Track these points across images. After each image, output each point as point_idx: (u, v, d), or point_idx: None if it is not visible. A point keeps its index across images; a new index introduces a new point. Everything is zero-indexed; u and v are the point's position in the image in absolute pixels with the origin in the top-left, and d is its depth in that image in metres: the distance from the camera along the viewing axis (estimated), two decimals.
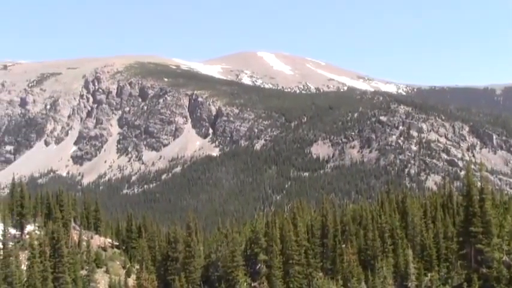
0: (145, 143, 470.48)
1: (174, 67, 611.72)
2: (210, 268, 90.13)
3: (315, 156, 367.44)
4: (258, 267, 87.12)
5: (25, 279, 67.24)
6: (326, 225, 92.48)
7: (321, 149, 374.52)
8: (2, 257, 68.12)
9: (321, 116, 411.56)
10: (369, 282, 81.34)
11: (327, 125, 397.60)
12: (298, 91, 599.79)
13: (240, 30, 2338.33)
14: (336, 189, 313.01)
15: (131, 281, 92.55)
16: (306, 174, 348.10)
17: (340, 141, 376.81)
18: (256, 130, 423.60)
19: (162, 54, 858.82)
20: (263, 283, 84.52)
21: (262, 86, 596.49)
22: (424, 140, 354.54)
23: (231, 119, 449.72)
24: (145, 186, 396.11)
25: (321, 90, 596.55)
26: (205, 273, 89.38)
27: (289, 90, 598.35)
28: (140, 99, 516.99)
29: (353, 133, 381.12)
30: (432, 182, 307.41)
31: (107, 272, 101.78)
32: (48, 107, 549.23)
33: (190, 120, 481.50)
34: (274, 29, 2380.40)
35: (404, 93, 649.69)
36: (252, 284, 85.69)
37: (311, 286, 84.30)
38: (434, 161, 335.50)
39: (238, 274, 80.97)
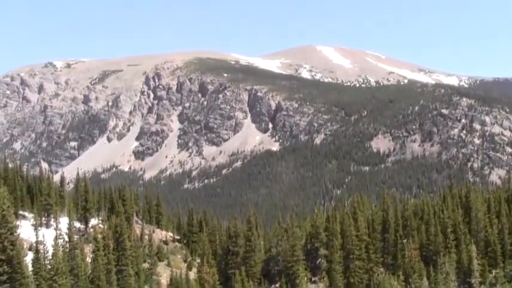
0: (205, 138, 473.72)
1: (233, 62, 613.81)
2: (270, 262, 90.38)
3: (375, 150, 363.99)
4: (318, 261, 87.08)
5: (90, 271, 68.61)
6: (387, 220, 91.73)
7: (381, 143, 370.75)
8: (68, 250, 69.68)
9: (381, 110, 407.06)
10: (430, 279, 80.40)
11: (387, 118, 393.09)
12: (357, 85, 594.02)
13: (299, 24, 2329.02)
14: (397, 183, 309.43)
15: (192, 274, 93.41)
16: (367, 168, 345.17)
17: (401, 135, 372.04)
18: (315, 124, 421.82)
19: (221, 49, 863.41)
20: (323, 278, 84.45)
21: (321, 80, 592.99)
22: (487, 133, 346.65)
23: (291, 113, 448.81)
24: (205, 180, 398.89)
25: (381, 84, 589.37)
26: (266, 267, 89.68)
27: (348, 84, 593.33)
28: (200, 95, 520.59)
29: (414, 126, 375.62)
30: (496, 176, 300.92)
31: (168, 265, 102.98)
32: (110, 103, 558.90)
33: (250, 115, 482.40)
34: (333, 23, 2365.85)
35: (466, 86, 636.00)
36: (312, 279, 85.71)
37: (372, 281, 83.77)
38: (498, 154, 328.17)
39: (298, 268, 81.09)
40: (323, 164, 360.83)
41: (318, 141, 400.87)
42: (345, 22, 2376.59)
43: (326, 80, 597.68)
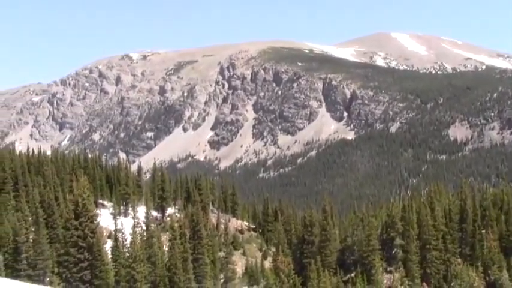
0: (280, 127, 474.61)
1: (307, 51, 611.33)
2: (345, 252, 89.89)
3: (452, 139, 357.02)
4: (394, 251, 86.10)
5: (167, 259, 69.66)
6: (465, 210, 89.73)
7: (458, 131, 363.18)
8: (145, 238, 70.97)
9: (458, 97, 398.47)
10: (511, 270, 78.38)
11: (464, 106, 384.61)
12: (434, 72, 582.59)
13: (373, 11, 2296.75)
14: (475, 172, 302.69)
15: (267, 263, 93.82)
16: (443, 157, 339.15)
17: (479, 123, 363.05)
18: (391, 113, 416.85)
19: (295, 38, 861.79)
20: (399, 268, 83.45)
21: (396, 68, 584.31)
22: None
23: (366, 101, 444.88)
24: (280, 170, 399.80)
25: (458, 70, 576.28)
26: (341, 257, 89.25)
27: (424, 71, 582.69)
28: (274, 84, 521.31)
29: (492, 114, 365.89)
30: None
31: (243, 254, 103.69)
32: (185, 94, 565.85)
33: (324, 103, 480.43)
34: (407, 9, 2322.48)
35: None
36: (388, 269, 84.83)
37: (449, 272, 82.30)
38: None
39: (374, 258, 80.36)
40: (399, 153, 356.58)
41: (393, 129, 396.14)
42: (419, 8, 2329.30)
43: (401, 68, 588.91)
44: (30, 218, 73.84)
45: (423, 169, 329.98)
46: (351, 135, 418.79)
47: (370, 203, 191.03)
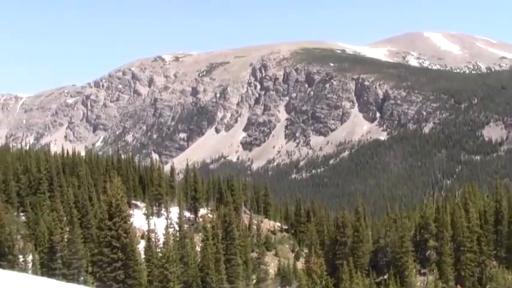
0: (312, 128, 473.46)
1: (339, 51, 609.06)
2: (378, 253, 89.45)
3: (487, 139, 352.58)
4: (427, 253, 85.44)
5: (199, 259, 69.99)
6: (500, 211, 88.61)
7: (493, 131, 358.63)
8: (178, 239, 71.41)
9: (493, 97, 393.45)
10: None
11: (499, 106, 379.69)
12: (467, 71, 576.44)
13: (406, 11, 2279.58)
14: (510, 173, 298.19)
15: (300, 264, 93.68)
16: (478, 157, 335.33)
17: None
18: (424, 113, 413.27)
19: (327, 39, 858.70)
20: (433, 270, 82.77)
21: (429, 67, 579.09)
22: None
23: (399, 102, 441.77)
24: (313, 171, 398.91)
25: (492, 70, 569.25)
26: (374, 258, 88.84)
27: (458, 70, 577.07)
28: (307, 85, 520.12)
29: None
30: None
31: (276, 255, 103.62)
32: (217, 95, 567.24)
33: (357, 104, 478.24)
34: (440, 8, 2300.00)
35: None
36: (422, 271, 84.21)
37: (484, 275, 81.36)
38: None
39: (407, 260, 79.85)
40: (432, 154, 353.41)
41: (426, 130, 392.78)
42: (452, 7, 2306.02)
43: (434, 67, 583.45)
44: (65, 218, 74.77)
45: (457, 170, 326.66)
46: (383, 136, 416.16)
47: (403, 204, 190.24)
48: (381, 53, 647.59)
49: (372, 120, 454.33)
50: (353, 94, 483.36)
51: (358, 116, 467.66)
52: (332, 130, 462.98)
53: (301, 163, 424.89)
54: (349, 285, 75.73)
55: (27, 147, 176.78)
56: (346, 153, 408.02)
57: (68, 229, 71.80)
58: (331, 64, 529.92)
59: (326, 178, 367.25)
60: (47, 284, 15.77)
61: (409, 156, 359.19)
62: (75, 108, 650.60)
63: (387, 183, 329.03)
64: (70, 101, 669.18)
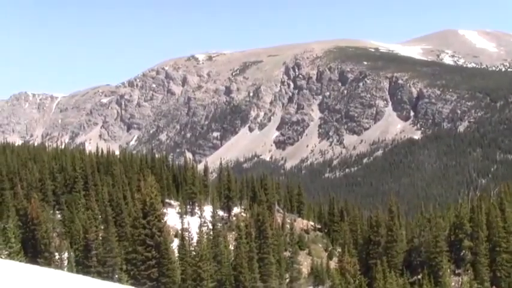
0: (346, 127, 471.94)
1: (373, 50, 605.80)
2: (412, 253, 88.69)
3: None
4: (462, 253, 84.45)
5: (232, 258, 70.12)
6: None
7: None
8: (211, 237, 71.72)
9: None
10: None
11: None
12: (503, 69, 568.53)
13: (440, 8, 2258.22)
14: None
15: (333, 263, 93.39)
16: None
17: None
18: (459, 111, 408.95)
19: (360, 37, 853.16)
20: (468, 270, 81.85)
21: (464, 66, 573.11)
22: None
23: (433, 100, 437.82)
24: (346, 170, 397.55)
25: None
26: (408, 258, 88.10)
27: (493, 68, 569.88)
28: (340, 84, 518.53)
29: None
30: None
31: (309, 254, 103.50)
32: (251, 94, 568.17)
33: (390, 103, 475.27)
34: (475, 5, 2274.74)
35: None
36: (456, 271, 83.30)
37: None
38: None
39: (441, 260, 79.04)
40: (467, 153, 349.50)
41: (461, 128, 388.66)
42: (487, 4, 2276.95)
43: (469, 65, 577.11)
44: (100, 216, 75.64)
45: (492, 169, 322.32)
46: (417, 135, 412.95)
47: (437, 203, 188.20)
48: (415, 51, 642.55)
49: (405, 119, 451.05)
50: (387, 93, 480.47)
51: (392, 114, 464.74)
52: (366, 129, 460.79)
53: (335, 162, 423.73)
54: (383, 285, 75.23)
55: (63, 146, 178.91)
56: (380, 152, 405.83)
57: (102, 227, 72.59)
58: (365, 62, 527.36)
59: (359, 177, 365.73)
60: (82, 282, 16.00)
61: (444, 155, 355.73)
62: (110, 108, 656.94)
63: (421, 183, 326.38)
64: (104, 100, 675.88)
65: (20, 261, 47.06)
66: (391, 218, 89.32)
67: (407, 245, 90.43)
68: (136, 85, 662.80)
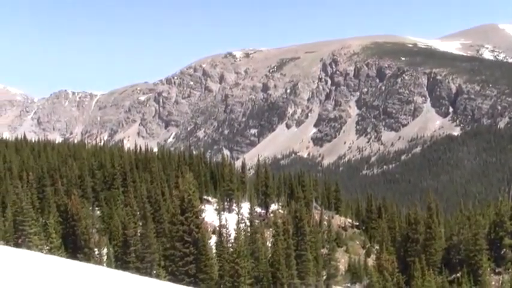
0: (384, 123, 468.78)
1: (410, 45, 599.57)
2: (451, 251, 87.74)
3: None
4: (502, 252, 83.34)
5: (270, 255, 70.21)
6: None
7: None
8: (249, 234, 71.87)
9: None
10: None
11: None
12: None
13: (480, 2, 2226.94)
14: None
15: (371, 261, 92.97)
16: None
17: None
18: (499, 107, 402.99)
19: (398, 33, 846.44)
20: (508, 269, 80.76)
21: (505, 61, 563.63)
22: None
23: (472, 96, 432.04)
24: (384, 166, 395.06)
25: None
26: (446, 256, 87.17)
27: None
28: (378, 80, 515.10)
29: None
30: None
31: (346, 251, 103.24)
32: (288, 91, 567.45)
33: (429, 99, 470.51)
34: None
35: None
36: (496, 270, 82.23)
37: None
38: None
39: (481, 258, 78.07)
40: (507, 149, 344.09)
41: (501, 125, 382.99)
42: None
43: (510, 60, 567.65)
44: (138, 213, 76.40)
45: None
46: (456, 131, 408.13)
47: (476, 201, 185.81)
48: (453, 47, 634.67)
49: (444, 115, 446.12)
50: (425, 89, 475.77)
51: (430, 111, 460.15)
52: (404, 125, 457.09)
53: (373, 159, 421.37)
54: (421, 283, 74.58)
55: (102, 144, 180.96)
56: (418, 148, 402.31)
57: (141, 223, 73.28)
58: (403, 58, 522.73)
59: (398, 174, 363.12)
60: (121, 277, 16.21)
61: (483, 152, 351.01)
62: (148, 105, 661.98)
63: (460, 180, 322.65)
64: (142, 98, 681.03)
65: (61, 256, 47.76)
66: (429, 216, 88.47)
67: (446, 243, 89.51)
68: (174, 82, 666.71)
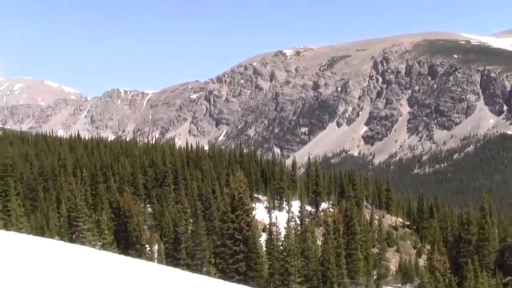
0: (436, 122, 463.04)
1: (463, 42, 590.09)
2: (505, 252, 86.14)
3: None
4: None
5: (320, 254, 70.08)
6: None
7: None
8: (299, 233, 71.81)
9: None
10: None
11: None
12: None
13: None
14: None
15: (422, 261, 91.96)
16: None
17: None
18: None
19: (450, 29, 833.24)
20: None
21: None
22: None
23: None
24: (436, 166, 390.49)
25: None
26: (500, 257, 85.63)
27: None
28: (430, 78, 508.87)
29: None
30: None
31: (397, 251, 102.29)
32: (339, 89, 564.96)
33: (482, 97, 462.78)
34: None
35: None
36: None
37: None
38: None
39: None
40: None
41: None
42: None
43: None
44: (189, 210, 77.02)
45: None
46: (511, 130, 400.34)
47: None
48: (508, 43, 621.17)
49: (498, 113, 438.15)
50: (478, 86, 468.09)
51: (483, 109, 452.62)
52: (456, 124, 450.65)
53: (424, 158, 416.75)
54: (474, 284, 73.46)
55: (153, 142, 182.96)
56: (471, 147, 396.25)
57: (191, 221, 73.87)
58: (455, 56, 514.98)
59: (450, 173, 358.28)
60: (172, 274, 16.42)
61: None
62: (199, 104, 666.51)
63: None
64: (193, 96, 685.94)
65: (113, 252, 48.51)
66: (482, 216, 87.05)
67: (499, 244, 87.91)
68: (225, 81, 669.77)
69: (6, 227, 47.32)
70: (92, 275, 12.80)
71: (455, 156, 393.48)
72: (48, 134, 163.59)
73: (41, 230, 66.10)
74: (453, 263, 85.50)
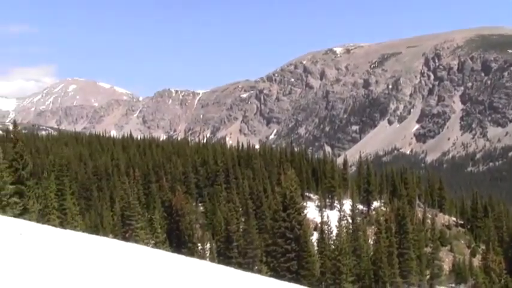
0: (489, 118, 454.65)
1: None
2: None
3: None
4: None
5: (371, 253, 69.65)
6: None
7: None
8: (351, 231, 71.49)
9: None
10: None
11: None
12: None
13: None
14: None
15: (476, 261, 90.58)
16: None
17: None
18: None
19: (504, 24, 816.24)
20: None
21: None
22: None
23: None
24: (490, 163, 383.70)
25: None
26: None
27: None
28: (483, 74, 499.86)
29: None
30: None
31: (451, 250, 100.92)
32: (390, 86, 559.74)
33: None
34: None
35: None
36: None
37: None
38: None
39: None
40: None
41: None
42: None
43: None
44: (241, 209, 77.49)
45: None
46: None
47: None
48: None
49: None
50: None
51: None
52: (511, 121, 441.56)
53: (478, 155, 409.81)
54: None
55: (205, 141, 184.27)
56: None
57: (243, 219, 74.23)
58: (510, 51, 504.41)
59: (505, 171, 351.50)
60: (225, 273, 16.54)
61: None
62: (249, 103, 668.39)
63: None
64: (244, 95, 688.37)
65: (166, 251, 49.09)
66: None
67: None
68: (275, 80, 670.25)
69: (62, 225, 48.26)
70: (148, 273, 12.99)
71: (510, 153, 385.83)
72: (101, 134, 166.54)
73: (95, 229, 67.29)
74: (509, 263, 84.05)
